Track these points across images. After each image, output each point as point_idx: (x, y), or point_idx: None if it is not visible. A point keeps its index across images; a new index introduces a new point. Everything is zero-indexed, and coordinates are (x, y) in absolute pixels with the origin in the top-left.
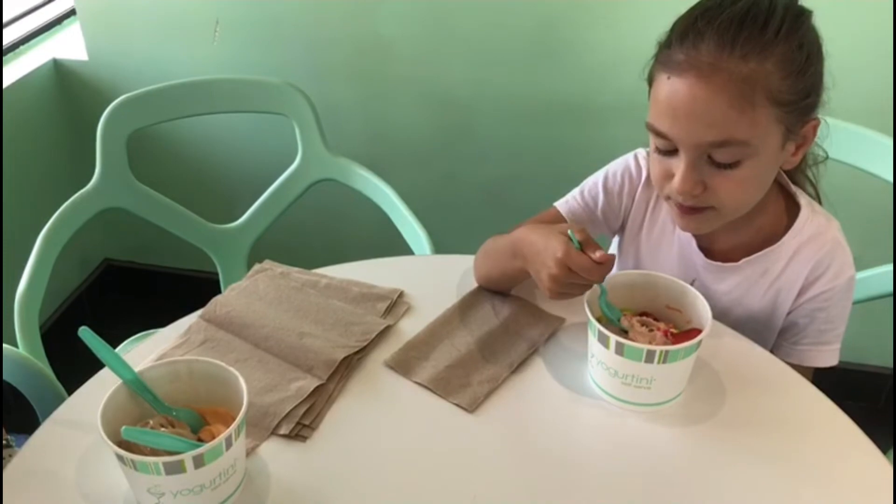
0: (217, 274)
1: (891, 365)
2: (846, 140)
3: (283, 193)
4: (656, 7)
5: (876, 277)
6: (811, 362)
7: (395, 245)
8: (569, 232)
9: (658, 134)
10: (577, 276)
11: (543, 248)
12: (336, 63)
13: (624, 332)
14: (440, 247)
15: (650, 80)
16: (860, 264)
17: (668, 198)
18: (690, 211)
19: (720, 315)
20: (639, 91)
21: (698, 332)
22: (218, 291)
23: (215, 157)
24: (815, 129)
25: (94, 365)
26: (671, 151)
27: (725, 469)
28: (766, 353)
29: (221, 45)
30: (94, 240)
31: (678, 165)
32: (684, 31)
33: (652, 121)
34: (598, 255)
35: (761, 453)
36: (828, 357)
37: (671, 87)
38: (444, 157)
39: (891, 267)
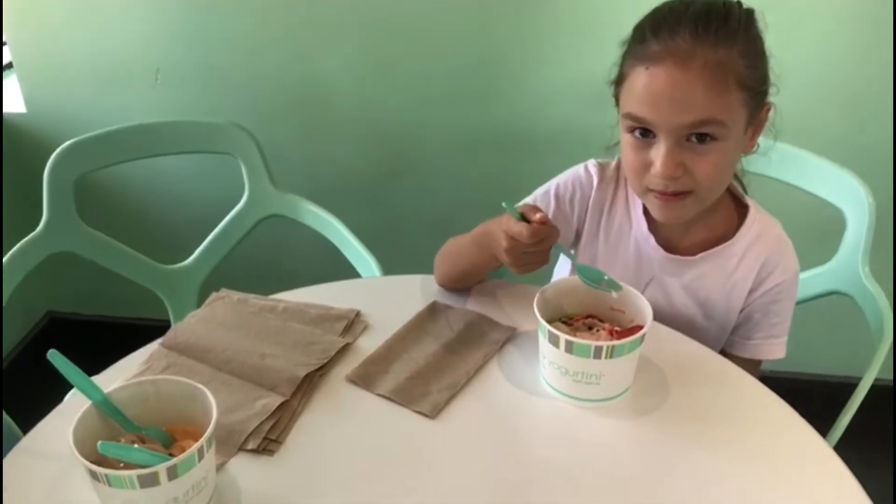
0: (166, 321)
1: (821, 372)
2: (770, 156)
3: (232, 231)
4: (585, 44)
5: (805, 281)
6: (764, 355)
7: (345, 276)
8: (503, 205)
9: (638, 121)
10: (525, 245)
11: (495, 230)
12: (277, 104)
13: (613, 288)
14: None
15: (620, 79)
16: None
17: (646, 191)
18: (672, 198)
19: (680, 307)
20: (573, 121)
21: (641, 328)
22: None
23: (161, 199)
24: (767, 112)
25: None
26: (648, 141)
27: (675, 457)
28: (707, 350)
29: (161, 92)
30: (36, 291)
31: (658, 152)
32: (657, 26)
33: (632, 110)
34: (537, 217)
35: (708, 441)
36: (778, 349)
37: (650, 75)
38: (388, 191)
39: (811, 273)
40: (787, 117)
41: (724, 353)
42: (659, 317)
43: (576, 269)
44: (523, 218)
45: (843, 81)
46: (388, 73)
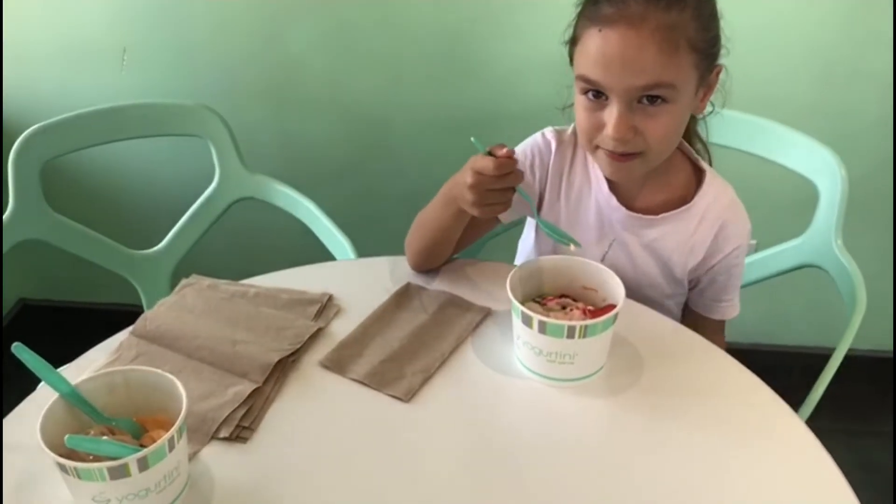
0: (141, 307)
1: (797, 344)
2: (743, 129)
3: (203, 214)
4: (557, 16)
5: (772, 256)
6: (730, 315)
7: (318, 258)
8: (472, 139)
9: (591, 83)
10: (490, 180)
11: (459, 176)
12: (247, 84)
13: (573, 242)
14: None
15: (574, 39)
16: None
17: (596, 149)
18: (621, 158)
19: (643, 267)
20: (545, 97)
21: (614, 307)
22: None
23: (131, 184)
24: (717, 75)
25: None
26: (601, 102)
27: (650, 434)
28: (681, 327)
29: (130, 73)
30: (7, 279)
31: (610, 114)
32: None
33: (584, 72)
34: (502, 151)
35: (682, 417)
36: (734, 309)
37: (603, 38)
38: (361, 171)
39: (784, 246)
40: (759, 88)
41: (690, 321)
42: (622, 278)
43: (539, 222)
44: (490, 155)
45: (816, 50)
46: (355, 50)
